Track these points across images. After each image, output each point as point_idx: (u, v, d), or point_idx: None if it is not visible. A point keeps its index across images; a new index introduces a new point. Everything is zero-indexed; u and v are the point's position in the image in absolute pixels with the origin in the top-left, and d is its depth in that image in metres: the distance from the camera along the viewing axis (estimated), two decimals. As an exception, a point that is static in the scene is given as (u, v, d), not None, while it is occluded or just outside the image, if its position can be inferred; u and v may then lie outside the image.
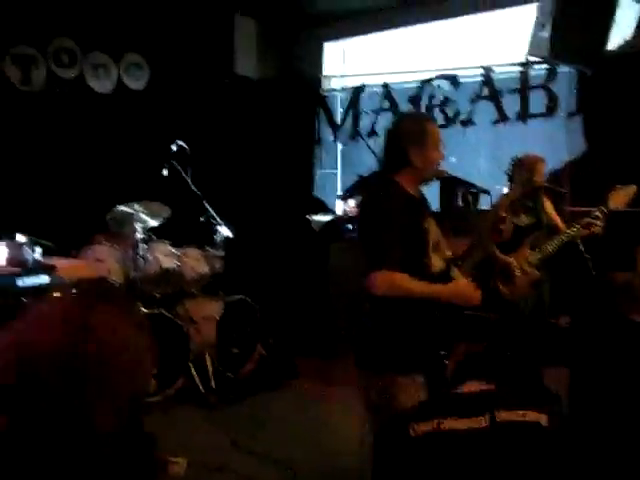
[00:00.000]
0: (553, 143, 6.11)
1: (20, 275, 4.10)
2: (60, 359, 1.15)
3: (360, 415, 3.15)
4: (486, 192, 3.25)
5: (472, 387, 1.75)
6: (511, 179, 4.39)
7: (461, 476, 1.61)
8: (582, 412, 2.99)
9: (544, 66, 6.20)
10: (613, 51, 5.72)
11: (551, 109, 6.25)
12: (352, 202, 6.97)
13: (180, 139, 5.56)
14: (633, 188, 4.55)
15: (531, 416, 1.60)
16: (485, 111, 6.59)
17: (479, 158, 6.75)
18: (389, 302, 2.88)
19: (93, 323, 1.19)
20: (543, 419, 1.60)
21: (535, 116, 6.34)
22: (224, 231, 5.62)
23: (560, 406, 1.69)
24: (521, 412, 1.62)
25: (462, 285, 2.95)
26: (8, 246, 4.37)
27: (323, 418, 4.78)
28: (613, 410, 2.79)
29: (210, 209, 5.58)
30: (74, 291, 1.34)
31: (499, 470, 1.58)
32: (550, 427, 1.60)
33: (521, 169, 4.54)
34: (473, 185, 3.20)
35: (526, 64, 6.30)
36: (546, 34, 5.28)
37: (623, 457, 2.68)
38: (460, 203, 6.53)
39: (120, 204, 5.21)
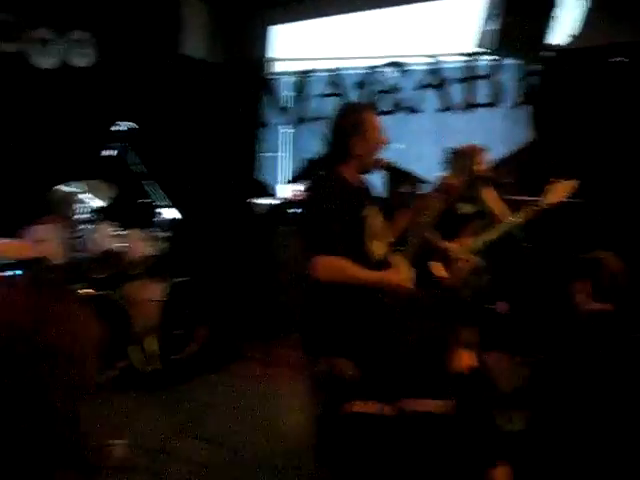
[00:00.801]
0: (496, 133, 6.23)
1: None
2: (19, 344, 1.15)
3: (303, 397, 3.19)
4: (422, 182, 3.33)
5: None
6: (447, 168, 4.48)
7: (377, 457, 1.72)
8: (545, 400, 3.10)
9: (490, 57, 6.30)
10: (559, 46, 5.86)
11: (496, 100, 6.37)
12: (298, 186, 6.99)
13: (127, 119, 5.49)
14: (573, 183, 4.68)
15: (435, 406, 1.69)
16: (431, 99, 6.68)
17: (424, 145, 6.84)
18: (330, 287, 2.94)
19: (50, 313, 1.20)
20: (446, 407, 1.69)
21: (480, 106, 6.46)
22: (170, 213, 5.58)
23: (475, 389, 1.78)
24: (425, 402, 1.72)
25: (395, 271, 3.02)
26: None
27: (266, 400, 4.81)
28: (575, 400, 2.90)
29: (156, 190, 5.54)
30: (25, 280, 1.34)
31: (408, 456, 1.68)
32: (453, 412, 1.69)
33: (462, 158, 4.63)
34: (408, 174, 3.27)
35: (473, 54, 6.40)
36: (493, 27, 5.37)
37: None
38: (407, 190, 6.64)
39: (63, 183, 5.13)
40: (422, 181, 3.27)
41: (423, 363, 1.80)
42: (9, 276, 4.06)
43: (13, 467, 1.17)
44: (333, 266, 2.89)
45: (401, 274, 3.01)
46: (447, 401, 1.71)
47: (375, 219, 3.12)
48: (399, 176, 3.23)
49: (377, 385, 1.84)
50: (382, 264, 3.03)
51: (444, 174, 3.84)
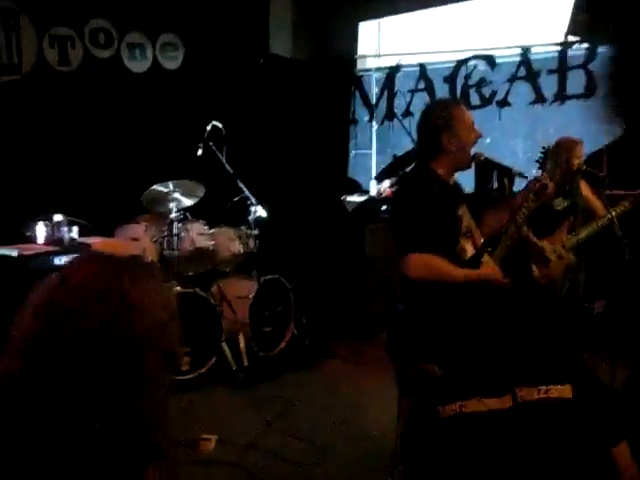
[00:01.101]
0: (591, 125, 6.01)
1: (57, 254, 4.17)
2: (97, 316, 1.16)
3: (391, 398, 3.16)
4: (523, 176, 3.23)
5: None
6: (542, 166, 4.34)
7: (488, 456, 1.61)
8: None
9: (583, 46, 6.08)
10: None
11: (590, 90, 6.14)
12: (387, 183, 6.94)
13: (215, 119, 5.57)
14: None
15: (554, 392, 1.56)
16: (522, 92, 6.50)
17: (515, 139, 6.66)
18: (422, 287, 2.88)
19: (128, 288, 1.21)
20: (567, 391, 1.57)
21: (573, 97, 6.24)
22: (259, 211, 5.63)
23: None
24: (543, 388, 1.59)
25: (490, 269, 2.94)
26: (46, 225, 4.45)
27: (354, 400, 4.78)
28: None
29: (245, 189, 5.60)
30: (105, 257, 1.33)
31: (525, 450, 1.57)
32: (576, 396, 1.57)
33: (558, 152, 4.48)
34: (509, 169, 3.17)
35: (565, 44, 6.19)
36: (586, 14, 5.18)
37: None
38: (495, 186, 6.48)
39: (155, 183, 5.26)
40: (521, 174, 3.17)
41: (529, 349, 1.68)
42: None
43: (104, 462, 1.17)
44: (427, 264, 2.82)
45: (495, 271, 2.93)
46: (561, 385, 1.58)
47: (466, 218, 3.05)
48: (497, 170, 3.14)
49: (479, 380, 1.71)
50: (472, 264, 2.94)
51: (539, 174, 3.72)
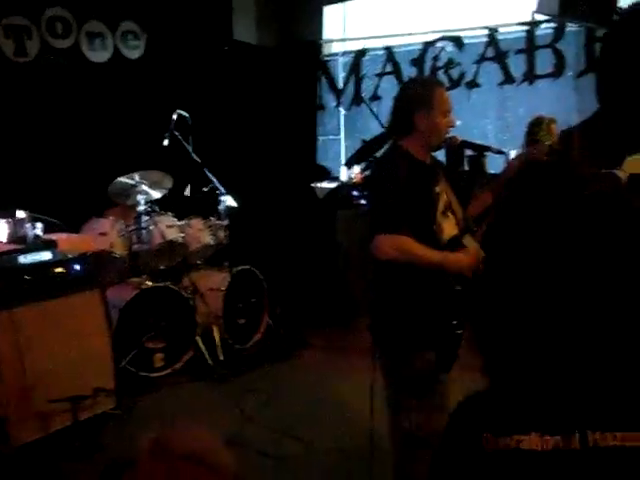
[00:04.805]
0: (561, 104, 5.97)
1: (21, 252, 3.99)
2: None
3: (369, 385, 3.06)
4: (501, 152, 3.14)
5: None
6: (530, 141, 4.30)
7: None
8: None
9: (551, 25, 6.03)
10: (626, 8, 5.55)
11: (558, 69, 6.09)
12: (357, 168, 6.85)
13: (180, 108, 5.44)
14: None
15: (632, 439, 1.21)
16: (491, 72, 6.44)
17: (485, 120, 6.61)
18: (394, 270, 2.78)
19: None
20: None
21: (542, 77, 6.19)
22: (228, 201, 5.52)
23: None
24: (620, 435, 1.22)
25: (464, 255, 2.78)
26: (8, 223, 4.27)
27: (332, 389, 4.71)
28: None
29: (213, 178, 5.48)
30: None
31: None
32: None
33: (536, 129, 4.46)
34: (488, 147, 3.06)
35: (532, 24, 6.13)
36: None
37: None
38: (466, 167, 6.42)
39: (121, 175, 5.11)
40: (499, 151, 3.08)
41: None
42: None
43: None
44: (394, 244, 2.69)
45: (469, 256, 2.79)
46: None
47: (446, 197, 2.92)
48: (475, 150, 3.01)
49: (541, 408, 1.23)
50: (450, 245, 2.82)
51: (515, 148, 3.66)
